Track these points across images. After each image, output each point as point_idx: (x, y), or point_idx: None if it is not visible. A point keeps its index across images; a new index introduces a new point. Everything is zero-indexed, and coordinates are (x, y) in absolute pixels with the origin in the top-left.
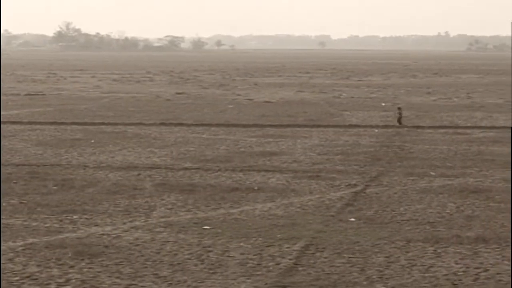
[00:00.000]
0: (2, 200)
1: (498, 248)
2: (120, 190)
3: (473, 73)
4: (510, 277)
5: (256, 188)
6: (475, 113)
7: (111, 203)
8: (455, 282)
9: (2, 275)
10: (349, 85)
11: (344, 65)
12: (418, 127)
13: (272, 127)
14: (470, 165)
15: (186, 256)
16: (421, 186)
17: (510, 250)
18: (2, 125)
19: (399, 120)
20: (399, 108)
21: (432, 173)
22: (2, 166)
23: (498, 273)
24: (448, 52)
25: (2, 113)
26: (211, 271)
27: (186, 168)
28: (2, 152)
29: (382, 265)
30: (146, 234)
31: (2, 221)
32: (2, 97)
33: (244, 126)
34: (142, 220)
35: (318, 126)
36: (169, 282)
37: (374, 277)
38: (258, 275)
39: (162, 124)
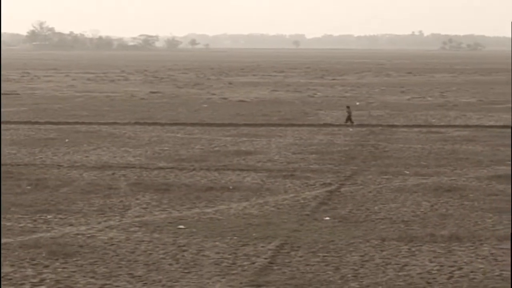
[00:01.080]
0: None
1: (472, 246)
2: (94, 190)
3: (447, 72)
4: (484, 276)
5: (231, 187)
6: (449, 112)
7: (86, 202)
8: (429, 281)
9: None
10: (324, 84)
11: (318, 64)
12: (392, 126)
13: (247, 126)
14: (444, 164)
15: (161, 256)
16: (396, 185)
17: (484, 248)
18: None
19: (348, 119)
20: (347, 107)
21: (407, 172)
22: None
23: (472, 271)
24: (422, 51)
25: None
26: (186, 271)
27: (161, 168)
28: None
29: (357, 264)
30: (121, 234)
31: None
32: None
33: (219, 125)
34: (117, 220)
35: (293, 125)
36: (144, 282)
37: (349, 276)
38: (233, 274)
39: (136, 123)
